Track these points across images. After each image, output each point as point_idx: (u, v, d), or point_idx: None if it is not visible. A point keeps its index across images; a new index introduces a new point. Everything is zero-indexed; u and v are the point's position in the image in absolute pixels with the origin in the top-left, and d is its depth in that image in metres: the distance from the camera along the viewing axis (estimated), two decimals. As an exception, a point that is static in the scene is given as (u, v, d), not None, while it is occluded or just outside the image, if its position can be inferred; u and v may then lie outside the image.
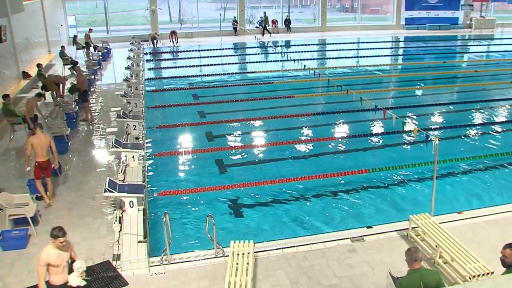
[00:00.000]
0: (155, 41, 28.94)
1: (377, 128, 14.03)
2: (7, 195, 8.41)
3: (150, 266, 7.16)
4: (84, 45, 25.28)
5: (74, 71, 14.85)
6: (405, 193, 10.05)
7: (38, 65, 17.20)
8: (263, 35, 32.20)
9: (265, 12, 33.51)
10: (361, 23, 37.55)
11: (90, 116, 14.29)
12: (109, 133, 13.11)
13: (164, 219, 7.12)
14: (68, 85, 18.26)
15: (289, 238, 8.05)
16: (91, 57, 23.45)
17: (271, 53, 26.63)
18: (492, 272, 6.30)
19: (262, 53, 26.97)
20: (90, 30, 26.46)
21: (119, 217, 8.08)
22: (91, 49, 25.20)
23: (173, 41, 29.25)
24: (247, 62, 24.24)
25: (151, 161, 11.47)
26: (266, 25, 32.82)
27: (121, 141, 10.80)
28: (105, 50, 25.19)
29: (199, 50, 28.45)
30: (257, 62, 23.69)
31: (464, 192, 10.07)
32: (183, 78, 20.39)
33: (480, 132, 13.83)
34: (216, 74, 21.29)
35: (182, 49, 28.74)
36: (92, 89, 18.08)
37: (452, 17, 35.92)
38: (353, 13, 42.24)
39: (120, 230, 7.79)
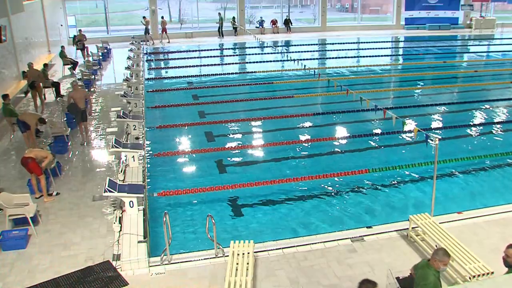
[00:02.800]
0: (148, 29, 29.09)
1: (377, 128, 14.02)
2: (7, 195, 8.41)
3: (150, 266, 7.16)
4: (80, 45, 24.86)
5: (72, 87, 13.34)
6: (405, 193, 10.06)
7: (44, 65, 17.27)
8: (219, 36, 31.88)
9: (220, 13, 32.90)
10: (361, 23, 37.52)
11: (86, 136, 12.63)
12: (109, 133, 13.10)
13: (164, 219, 7.12)
14: (67, 83, 18.29)
15: (289, 238, 8.05)
16: (91, 57, 23.46)
17: (271, 53, 26.63)
18: (492, 272, 6.30)
19: (262, 53, 26.97)
20: (80, 30, 26.02)
21: (119, 217, 8.08)
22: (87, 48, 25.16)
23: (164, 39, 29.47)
24: (247, 62, 24.24)
25: (151, 161, 11.47)
26: (221, 27, 32.04)
27: (121, 141, 10.79)
28: (105, 50, 25.18)
29: (199, 50, 28.46)
30: (257, 62, 23.70)
31: (464, 192, 10.08)
32: (183, 78, 20.39)
33: (480, 132, 13.83)
34: (216, 74, 21.29)
35: (182, 49, 28.74)
36: (92, 89, 18.07)
37: (452, 17, 35.90)
38: (353, 13, 42.24)
39: (120, 230, 7.79)
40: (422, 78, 20.73)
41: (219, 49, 27.32)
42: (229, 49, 28.18)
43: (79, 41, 24.52)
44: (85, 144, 12.29)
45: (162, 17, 30.70)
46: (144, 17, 30.18)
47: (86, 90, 13.65)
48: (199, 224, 8.73)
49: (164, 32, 29.80)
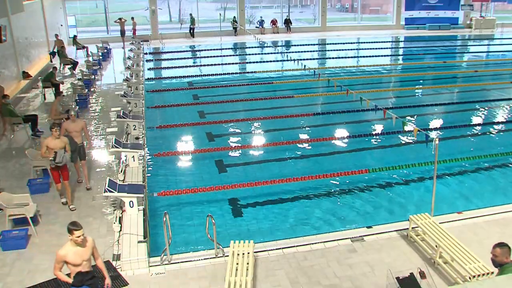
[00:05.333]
0: (124, 31, 28.19)
1: (377, 128, 14.03)
2: (7, 195, 8.42)
3: (150, 266, 7.16)
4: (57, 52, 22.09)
5: (69, 116, 10.36)
6: (405, 193, 10.05)
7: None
8: (193, 36, 31.78)
9: (191, 14, 32.61)
10: (361, 23, 37.54)
11: (86, 177, 10.00)
12: (109, 133, 13.10)
13: (164, 219, 7.12)
14: (67, 84, 18.29)
15: (289, 238, 8.04)
16: (91, 57, 23.42)
17: (271, 53, 26.64)
18: (492, 272, 6.30)
19: (262, 53, 26.98)
20: (57, 35, 23.38)
21: (119, 217, 8.08)
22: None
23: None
24: (247, 62, 24.25)
25: (151, 161, 11.46)
26: (193, 27, 31.88)
27: (121, 141, 10.79)
28: (105, 50, 25.19)
29: (199, 50, 28.46)
30: (257, 62, 23.71)
31: (464, 192, 10.08)
32: (183, 78, 20.39)
33: (480, 132, 13.83)
34: (216, 74, 21.30)
35: (182, 49, 28.75)
36: (92, 89, 18.07)
37: (452, 17, 35.92)
38: (353, 13, 42.25)
39: (120, 230, 7.79)
40: (422, 78, 20.74)
41: (219, 49, 27.30)
42: (229, 49, 28.17)
43: (59, 51, 21.77)
44: (86, 186, 9.83)
45: (132, 18, 29.74)
46: (120, 19, 28.89)
47: (85, 120, 11.13)
48: (199, 224, 8.72)
49: (134, 34, 28.80)
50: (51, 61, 21.34)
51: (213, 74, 21.08)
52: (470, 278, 6.31)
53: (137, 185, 8.90)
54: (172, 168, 11.48)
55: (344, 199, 9.80)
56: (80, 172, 10.11)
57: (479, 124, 14.64)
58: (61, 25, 28.34)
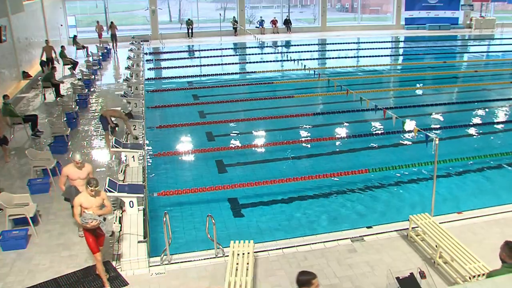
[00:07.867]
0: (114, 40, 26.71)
1: (377, 128, 14.02)
2: (7, 195, 8.41)
3: (150, 266, 7.16)
4: (45, 60, 19.88)
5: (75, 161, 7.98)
6: (405, 193, 10.06)
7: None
8: (189, 37, 31.76)
9: (189, 19, 32.47)
10: (361, 23, 37.55)
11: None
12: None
13: (164, 219, 7.13)
14: (67, 83, 18.28)
15: (289, 238, 8.04)
16: (90, 57, 23.42)
17: (271, 53, 26.64)
18: (492, 272, 6.30)
19: (262, 53, 26.98)
20: (47, 41, 20.84)
21: (119, 217, 8.07)
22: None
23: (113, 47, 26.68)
24: (247, 62, 24.24)
25: (151, 161, 11.47)
26: (191, 27, 31.80)
27: (121, 141, 10.79)
28: (105, 50, 25.19)
29: (199, 50, 28.45)
30: (257, 62, 23.71)
31: (464, 192, 10.08)
32: (183, 78, 20.39)
33: (480, 132, 13.83)
34: (216, 74, 21.29)
35: (182, 49, 28.75)
36: (92, 89, 18.07)
37: (452, 17, 35.93)
38: (353, 13, 42.28)
39: (120, 230, 7.79)
40: (422, 78, 20.74)
41: (219, 49, 27.31)
42: (229, 49, 28.18)
43: (48, 59, 19.84)
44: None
45: (112, 23, 27.41)
46: (112, 22, 27.52)
47: (91, 166, 8.30)
48: (199, 224, 8.73)
49: (100, 37, 27.37)
50: (43, 71, 19.25)
51: (213, 74, 21.08)
52: (470, 278, 6.31)
53: (137, 185, 8.89)
54: (172, 168, 11.48)
55: (344, 199, 9.81)
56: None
57: (479, 124, 14.63)
58: (61, 25, 28.34)
